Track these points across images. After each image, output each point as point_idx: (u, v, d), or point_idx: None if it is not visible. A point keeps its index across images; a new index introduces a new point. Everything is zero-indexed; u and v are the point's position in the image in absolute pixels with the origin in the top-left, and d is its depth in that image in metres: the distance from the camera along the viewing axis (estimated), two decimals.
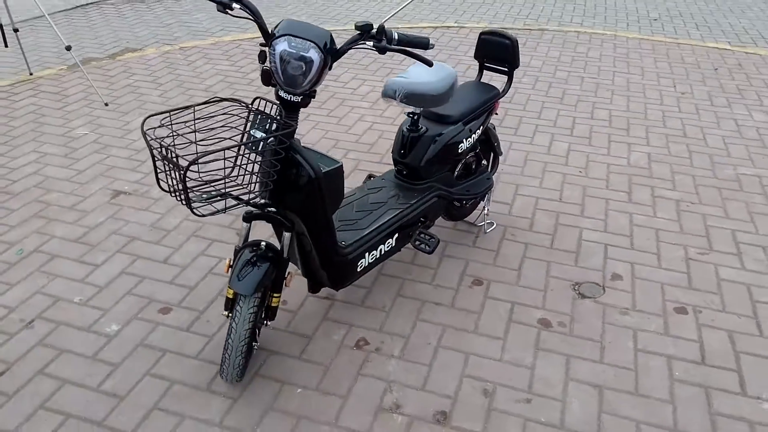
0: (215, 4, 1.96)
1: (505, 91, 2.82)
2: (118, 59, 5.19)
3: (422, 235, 2.49)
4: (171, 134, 1.82)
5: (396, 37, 1.95)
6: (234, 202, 1.87)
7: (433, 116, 2.59)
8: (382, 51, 1.91)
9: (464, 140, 2.59)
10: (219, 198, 1.84)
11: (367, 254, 2.31)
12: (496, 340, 2.39)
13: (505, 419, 2.06)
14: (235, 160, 1.91)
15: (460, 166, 2.80)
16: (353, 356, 2.30)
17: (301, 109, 3.41)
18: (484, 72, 2.87)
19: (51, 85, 4.60)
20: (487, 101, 2.72)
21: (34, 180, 3.37)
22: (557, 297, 2.61)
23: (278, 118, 1.90)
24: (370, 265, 2.36)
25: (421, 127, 2.54)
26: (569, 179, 3.51)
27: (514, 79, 3.51)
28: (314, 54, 1.83)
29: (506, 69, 2.77)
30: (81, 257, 2.79)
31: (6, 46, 4.78)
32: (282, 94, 1.91)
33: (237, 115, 1.97)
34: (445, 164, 2.61)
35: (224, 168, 1.86)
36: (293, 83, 1.87)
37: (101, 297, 2.55)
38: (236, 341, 1.95)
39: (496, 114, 3.26)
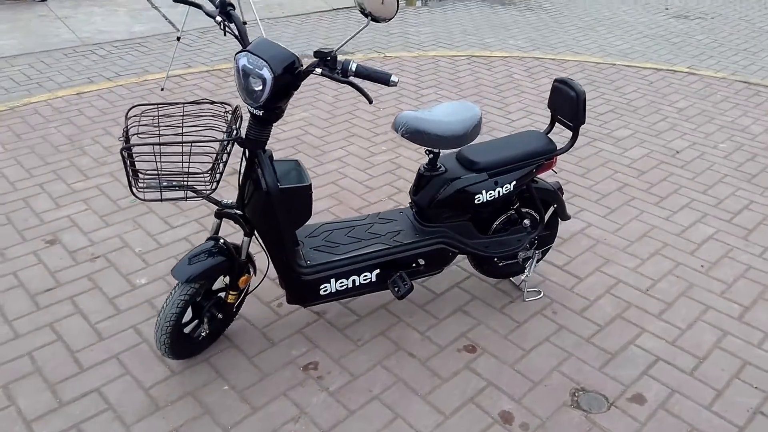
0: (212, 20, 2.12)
1: (566, 148, 2.45)
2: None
3: (400, 277, 2.34)
4: (156, 126, 2.06)
5: (353, 69, 1.89)
6: (182, 194, 2.01)
7: (461, 158, 2.39)
8: (341, 79, 1.88)
9: (484, 192, 2.34)
10: (173, 188, 2.01)
11: (333, 280, 2.27)
12: (438, 415, 2.14)
13: None
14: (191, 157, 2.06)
15: (499, 218, 2.53)
16: (294, 375, 2.29)
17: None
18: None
19: None
20: (533, 156, 2.40)
21: None
22: (544, 395, 2.22)
23: (234, 125, 2.01)
24: (340, 293, 2.32)
25: (440, 167, 2.38)
26: (679, 271, 2.89)
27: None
28: (266, 73, 1.88)
29: (571, 124, 2.41)
30: (167, 217, 3.24)
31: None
32: (246, 105, 2.00)
33: (222, 117, 2.13)
34: (461, 212, 2.40)
35: (182, 162, 2.03)
36: (251, 97, 1.95)
37: (155, 253, 2.96)
38: (162, 321, 2.12)
39: (555, 172, 2.77)
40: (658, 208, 3.40)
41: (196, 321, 2.28)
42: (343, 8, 7.58)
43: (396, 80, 1.88)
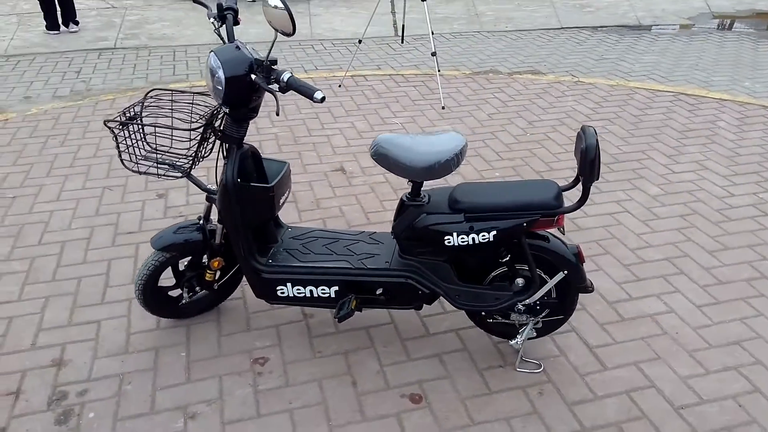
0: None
1: (571, 208, 2.04)
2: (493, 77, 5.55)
3: (349, 300, 2.23)
4: (170, 109, 2.34)
5: (285, 79, 1.88)
6: (166, 169, 2.24)
7: (451, 194, 2.17)
8: (266, 87, 1.89)
9: (454, 235, 2.09)
10: (157, 162, 2.25)
11: (290, 285, 2.28)
12: None
13: None
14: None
15: (496, 270, 2.24)
16: (240, 363, 2.36)
17: None
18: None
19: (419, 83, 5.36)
20: (525, 208, 2.05)
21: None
22: None
23: (212, 113, 2.16)
24: (298, 300, 2.32)
25: (423, 197, 2.19)
26: (747, 401, 2.19)
27: None
28: (221, 74, 1.99)
29: (581, 179, 2.00)
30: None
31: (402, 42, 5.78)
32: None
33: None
34: (435, 251, 2.18)
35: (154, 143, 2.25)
36: (216, 94, 2.07)
37: None
38: (137, 277, 2.39)
39: (561, 231, 2.16)
40: None
41: (186, 287, 2.51)
42: (573, 27, 7.15)
43: (320, 97, 1.82)
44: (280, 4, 1.80)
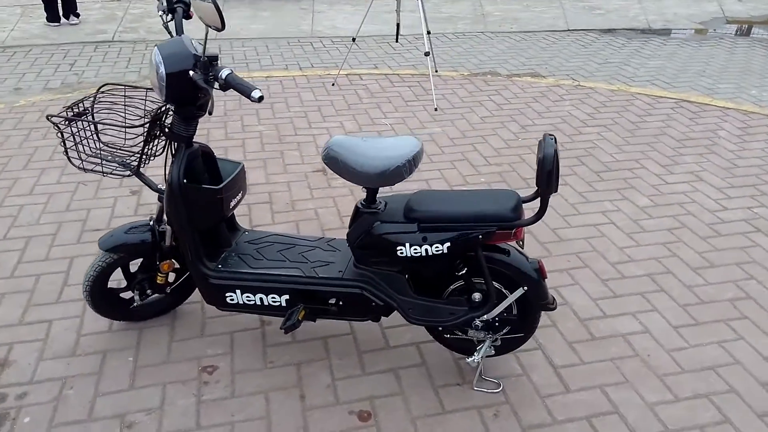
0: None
1: (528, 221, 1.92)
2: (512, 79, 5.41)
3: (297, 310, 2.13)
4: (123, 105, 2.25)
5: (223, 77, 1.79)
6: (113, 167, 2.15)
7: (407, 202, 2.06)
8: (202, 86, 1.80)
9: (407, 245, 1.98)
10: (102, 160, 2.16)
11: (239, 292, 2.19)
12: None
13: None
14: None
15: (454, 284, 2.13)
16: (188, 371, 2.27)
17: None
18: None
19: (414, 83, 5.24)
20: (480, 219, 1.93)
21: None
22: None
23: (162, 115, 2.08)
24: (249, 307, 2.22)
25: (379, 204, 2.08)
26: None
27: None
28: (162, 69, 1.90)
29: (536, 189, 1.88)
30: None
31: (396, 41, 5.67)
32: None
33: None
34: (389, 261, 2.07)
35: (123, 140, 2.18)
36: (158, 90, 1.98)
37: None
38: (84, 278, 2.31)
39: (520, 244, 2.02)
40: None
41: (137, 289, 2.43)
42: (580, 30, 6.98)
43: (257, 96, 1.72)
44: None
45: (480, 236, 1.95)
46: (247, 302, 2.21)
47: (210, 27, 1.79)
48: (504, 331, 2.17)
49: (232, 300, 2.21)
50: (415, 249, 1.98)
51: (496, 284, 2.09)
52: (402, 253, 2.00)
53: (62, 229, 3.12)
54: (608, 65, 5.77)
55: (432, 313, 2.10)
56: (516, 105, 4.78)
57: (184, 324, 2.52)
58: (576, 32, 6.92)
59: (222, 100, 4.66)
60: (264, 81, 5.15)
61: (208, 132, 4.20)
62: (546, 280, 2.08)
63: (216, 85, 1.85)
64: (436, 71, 5.44)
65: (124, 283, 2.42)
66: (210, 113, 1.77)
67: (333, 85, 5.09)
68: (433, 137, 4.18)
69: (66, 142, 2.12)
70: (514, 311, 2.15)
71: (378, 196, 2.09)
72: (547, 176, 1.81)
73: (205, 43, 1.80)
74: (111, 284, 2.39)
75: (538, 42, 6.51)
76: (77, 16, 6.65)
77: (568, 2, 7.99)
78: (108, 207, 3.32)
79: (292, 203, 3.39)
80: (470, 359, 2.16)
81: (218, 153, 3.87)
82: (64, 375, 2.27)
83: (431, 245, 1.97)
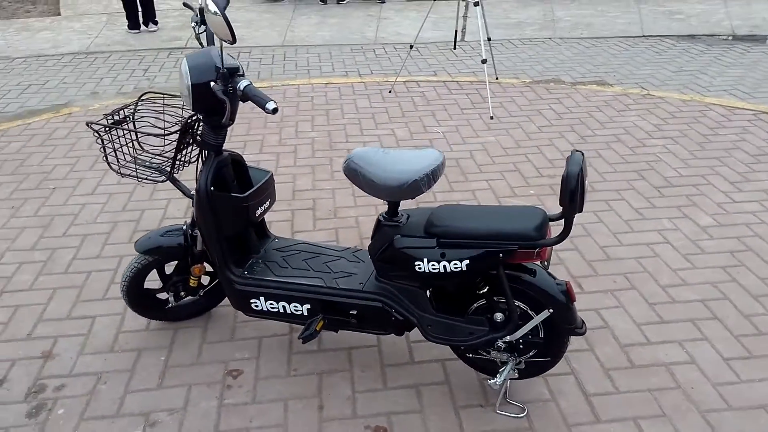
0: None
1: (553, 241, 1.81)
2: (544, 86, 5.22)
3: (315, 320, 2.12)
4: (162, 113, 2.33)
5: (241, 88, 1.81)
6: (148, 173, 2.23)
7: (429, 216, 2.01)
8: (221, 97, 1.83)
9: (425, 261, 1.92)
10: (137, 166, 2.25)
11: (263, 299, 2.21)
12: None
13: None
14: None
15: (478, 302, 2.06)
16: (214, 373, 2.32)
17: None
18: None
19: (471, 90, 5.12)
20: (502, 238, 1.85)
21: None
22: None
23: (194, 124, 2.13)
24: (273, 314, 2.24)
25: (401, 215, 2.05)
26: None
27: None
28: (188, 80, 1.94)
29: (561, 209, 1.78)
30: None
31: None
32: None
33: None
34: (409, 276, 2.02)
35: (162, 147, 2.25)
36: (185, 99, 2.03)
37: None
38: (122, 278, 2.40)
39: (545, 265, 1.89)
40: None
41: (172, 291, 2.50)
42: (656, 36, 6.64)
43: (271, 108, 1.73)
44: (218, 10, 1.72)
45: (500, 255, 1.87)
46: (270, 309, 2.23)
47: (223, 40, 1.82)
48: (529, 354, 2.08)
49: (257, 306, 2.24)
50: (433, 265, 1.93)
51: (521, 305, 2.00)
52: (420, 268, 1.95)
53: (116, 228, 3.27)
54: (682, 73, 5.45)
55: (451, 332, 2.04)
56: (577, 114, 4.60)
57: (216, 326, 2.57)
58: (651, 38, 6.59)
59: (279, 106, 4.75)
60: (323, 87, 5.21)
61: (263, 137, 4.30)
62: (574, 303, 1.98)
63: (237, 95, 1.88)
64: (497, 78, 5.33)
65: (161, 284, 2.51)
66: (223, 123, 1.80)
67: (389, 92, 5.08)
68: (444, 135, 4.09)
69: (105, 148, 2.21)
70: (541, 334, 2.05)
71: (401, 209, 2.06)
72: (571, 195, 1.71)
73: (222, 56, 1.83)
74: (149, 285, 2.47)
75: (609, 48, 6.25)
76: (155, 23, 6.99)
77: (645, 7, 7.63)
78: (161, 208, 3.45)
79: (335, 210, 3.41)
80: (491, 381, 2.07)
81: (270, 158, 4.00)
82: (100, 370, 2.36)
83: (450, 262, 1.91)
